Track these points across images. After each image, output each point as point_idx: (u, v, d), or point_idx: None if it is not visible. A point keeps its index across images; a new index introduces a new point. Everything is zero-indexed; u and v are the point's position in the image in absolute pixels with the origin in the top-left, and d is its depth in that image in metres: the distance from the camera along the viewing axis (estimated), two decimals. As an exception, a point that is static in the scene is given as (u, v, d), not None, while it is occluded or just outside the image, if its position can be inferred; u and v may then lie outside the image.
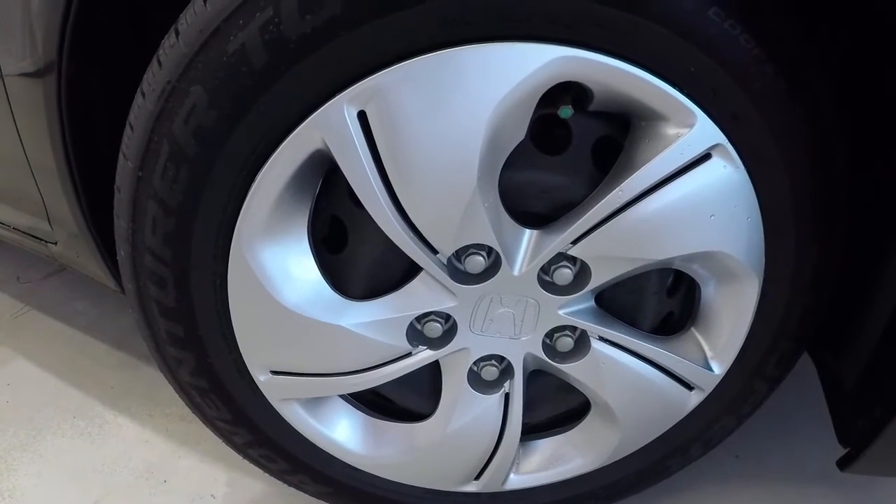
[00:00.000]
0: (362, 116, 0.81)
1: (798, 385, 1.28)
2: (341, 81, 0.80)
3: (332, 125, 0.81)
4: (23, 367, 1.52)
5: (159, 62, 0.86)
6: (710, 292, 0.95)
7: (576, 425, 1.06)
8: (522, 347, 0.98)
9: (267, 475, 1.16)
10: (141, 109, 0.88)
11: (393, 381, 1.01)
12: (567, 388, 1.02)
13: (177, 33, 0.84)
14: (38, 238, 1.36)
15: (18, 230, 1.40)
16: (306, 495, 1.15)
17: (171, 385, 1.06)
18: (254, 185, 0.86)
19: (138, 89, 0.90)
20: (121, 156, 0.93)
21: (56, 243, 1.33)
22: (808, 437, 1.28)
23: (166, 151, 0.86)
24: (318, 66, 0.79)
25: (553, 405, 1.07)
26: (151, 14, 1.12)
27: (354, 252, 0.94)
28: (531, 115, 0.81)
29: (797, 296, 0.94)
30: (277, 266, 0.91)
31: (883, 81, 0.89)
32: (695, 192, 0.85)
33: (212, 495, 1.24)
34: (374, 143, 0.82)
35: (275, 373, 0.99)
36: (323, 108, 0.81)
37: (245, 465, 1.22)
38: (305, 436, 1.05)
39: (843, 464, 0.92)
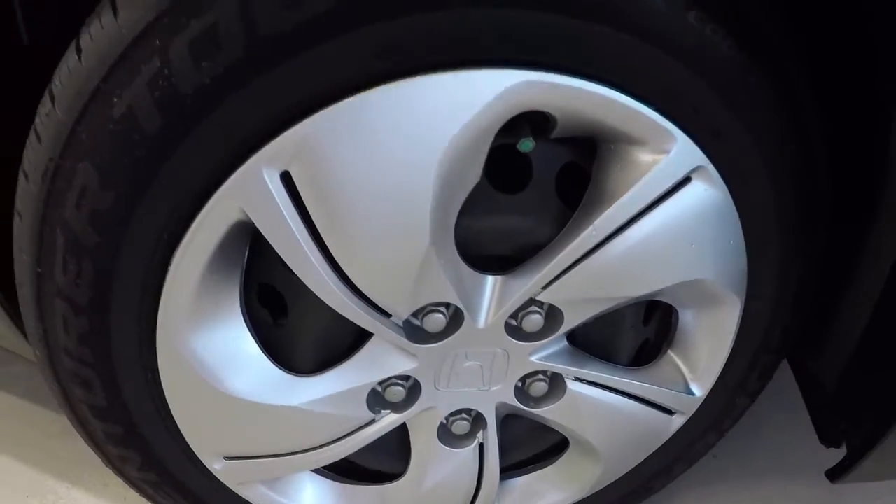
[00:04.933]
0: (287, 178, 0.59)
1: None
2: (255, 139, 0.57)
3: (251, 192, 0.59)
4: (-43, 443, 1.26)
5: (38, 135, 0.61)
6: (689, 317, 0.77)
7: (554, 461, 0.88)
8: (493, 397, 0.78)
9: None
10: (26, 193, 0.64)
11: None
12: (545, 427, 0.84)
13: (52, 98, 0.60)
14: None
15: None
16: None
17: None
18: (170, 271, 0.63)
19: (21, 169, 0.66)
20: (15, 248, 0.68)
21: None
22: (783, 428, 1.12)
23: (63, 242, 0.62)
24: (224, 123, 0.56)
25: (531, 446, 0.89)
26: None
27: (297, 323, 0.72)
28: (487, 153, 0.61)
29: (781, 311, 0.77)
30: (212, 351, 0.68)
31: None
32: (673, 221, 0.66)
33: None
34: (304, 206, 0.60)
35: (229, 458, 0.78)
36: (236, 173, 0.58)
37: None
38: (270, 514, 0.84)
39: (834, 476, 0.77)
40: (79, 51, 0.58)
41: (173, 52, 0.53)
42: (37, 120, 0.62)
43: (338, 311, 0.66)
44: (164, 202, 0.60)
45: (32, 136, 0.63)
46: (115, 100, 0.56)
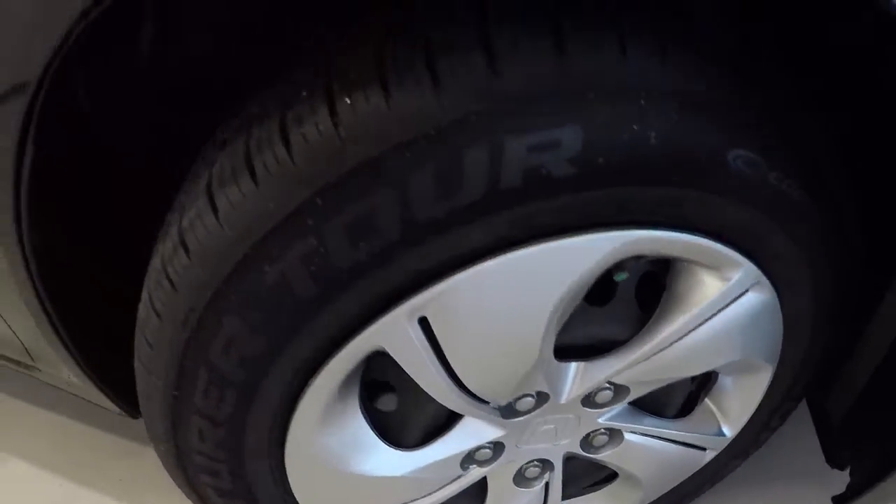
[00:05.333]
0: (423, 321, 0.67)
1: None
2: (400, 295, 0.64)
3: (391, 333, 0.67)
4: (19, 467, 1.29)
5: (171, 281, 0.66)
6: (728, 379, 0.91)
7: (603, 487, 1.03)
8: (562, 449, 0.91)
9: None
10: (159, 330, 0.69)
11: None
12: (598, 465, 0.97)
13: (186, 250, 0.64)
14: (17, 362, 1.12)
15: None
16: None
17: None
18: (307, 391, 0.71)
19: (148, 303, 0.70)
20: (140, 366, 0.74)
21: (41, 370, 1.10)
22: (794, 437, 1.21)
23: (206, 377, 0.69)
24: (374, 285, 0.63)
25: (585, 480, 1.03)
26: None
27: (407, 411, 0.82)
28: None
29: (805, 371, 0.91)
30: (335, 443, 0.78)
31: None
32: (730, 321, 0.77)
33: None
34: (435, 339, 0.68)
35: (334, 513, 0.88)
36: (380, 321, 0.66)
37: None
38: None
39: (839, 502, 0.93)
40: (215, 209, 0.62)
41: (329, 233, 0.59)
42: (167, 266, 0.66)
43: (446, 405, 0.76)
44: (310, 344, 0.67)
45: (163, 279, 0.67)
46: (267, 268, 0.61)
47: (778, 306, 0.79)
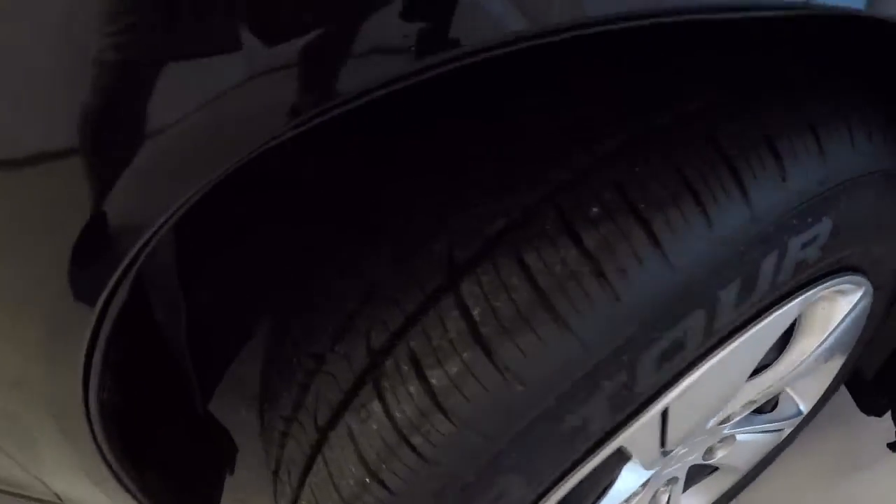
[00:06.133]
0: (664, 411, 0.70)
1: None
2: (660, 393, 0.66)
3: (640, 431, 0.68)
4: None
5: (416, 451, 0.58)
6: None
7: (703, 479, 1.14)
8: (689, 463, 0.99)
9: None
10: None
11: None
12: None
13: (446, 414, 0.56)
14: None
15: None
16: None
17: None
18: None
19: (365, 477, 0.61)
20: None
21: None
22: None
23: None
24: (652, 397, 0.65)
25: (695, 478, 1.12)
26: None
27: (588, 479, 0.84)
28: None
29: (865, 353, 1.06)
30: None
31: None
32: (842, 332, 0.89)
33: None
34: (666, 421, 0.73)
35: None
36: (629, 430, 0.67)
37: None
38: None
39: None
40: (496, 364, 0.54)
41: (640, 366, 0.58)
42: (414, 435, 0.57)
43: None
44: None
45: (405, 449, 0.58)
46: (567, 416, 0.59)
47: (869, 309, 0.92)
